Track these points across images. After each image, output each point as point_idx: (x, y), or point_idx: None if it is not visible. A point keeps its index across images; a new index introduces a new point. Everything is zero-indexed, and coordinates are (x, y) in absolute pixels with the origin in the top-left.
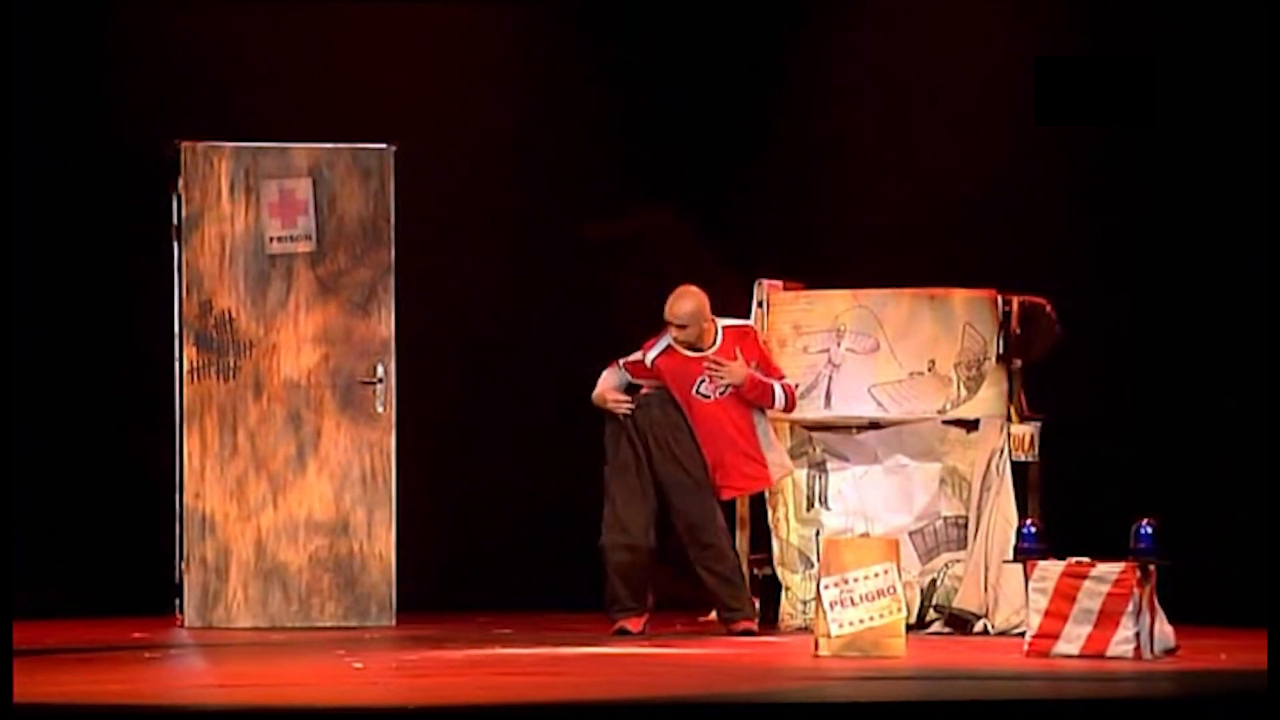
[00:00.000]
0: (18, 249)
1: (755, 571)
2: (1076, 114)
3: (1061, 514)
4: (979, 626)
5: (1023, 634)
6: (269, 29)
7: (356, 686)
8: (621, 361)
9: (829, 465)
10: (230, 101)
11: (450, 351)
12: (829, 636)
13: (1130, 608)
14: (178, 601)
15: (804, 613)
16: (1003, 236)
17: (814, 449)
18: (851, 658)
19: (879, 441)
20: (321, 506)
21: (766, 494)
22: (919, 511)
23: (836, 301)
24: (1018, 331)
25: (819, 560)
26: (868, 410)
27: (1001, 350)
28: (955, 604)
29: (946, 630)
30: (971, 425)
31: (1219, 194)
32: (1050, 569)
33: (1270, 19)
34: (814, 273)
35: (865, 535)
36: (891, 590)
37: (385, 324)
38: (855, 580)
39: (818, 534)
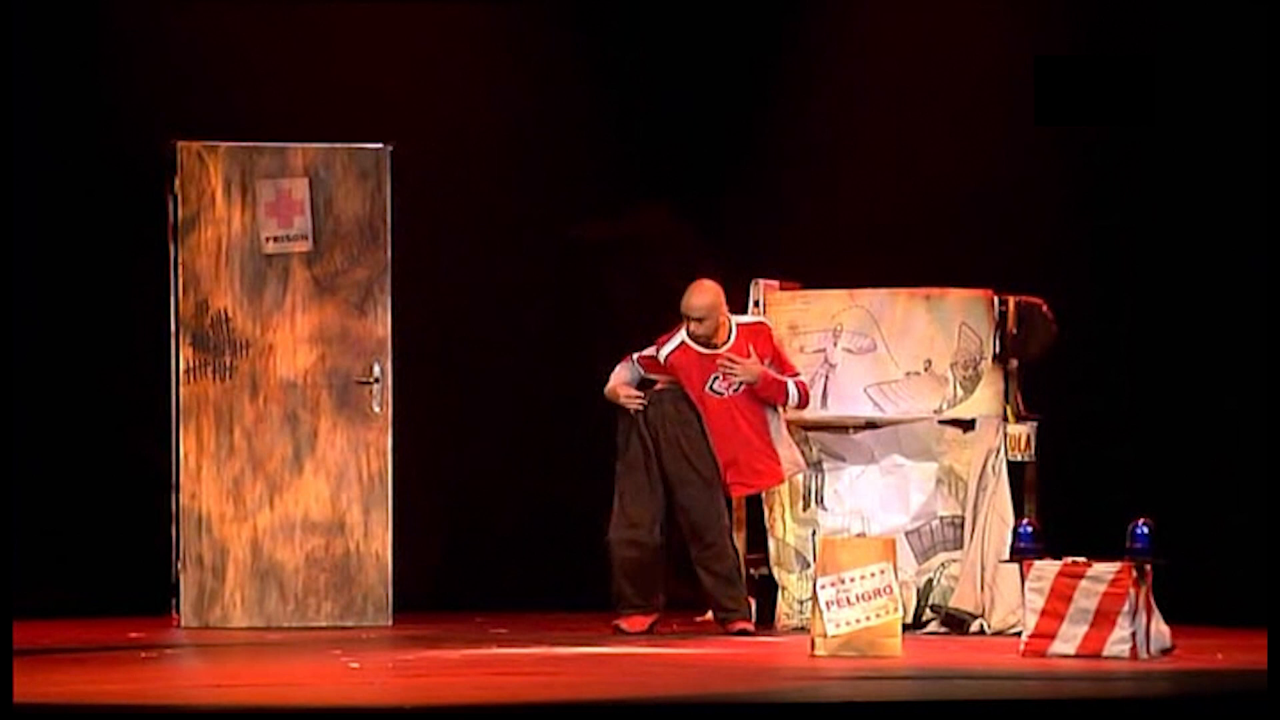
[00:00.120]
0: (15, 249)
1: (751, 571)
2: (1076, 114)
3: (1058, 514)
4: (975, 626)
5: (1019, 634)
6: (266, 29)
7: (353, 686)
8: (635, 356)
9: (825, 465)
10: (227, 101)
11: (446, 351)
12: (825, 636)
13: (1126, 607)
14: (174, 601)
15: (800, 612)
16: (1001, 236)
17: (810, 449)
18: (848, 657)
19: (875, 441)
20: (318, 506)
21: (763, 493)
22: (915, 511)
23: (833, 301)
24: (1014, 331)
25: (815, 560)
26: (864, 410)
27: (998, 350)
28: (952, 604)
29: (943, 630)
30: (968, 425)
31: (1218, 194)
32: (1046, 569)
33: (1270, 19)
34: (811, 273)
35: (862, 535)
36: (888, 590)
37: (382, 324)
38: (852, 580)
39: (814, 534)
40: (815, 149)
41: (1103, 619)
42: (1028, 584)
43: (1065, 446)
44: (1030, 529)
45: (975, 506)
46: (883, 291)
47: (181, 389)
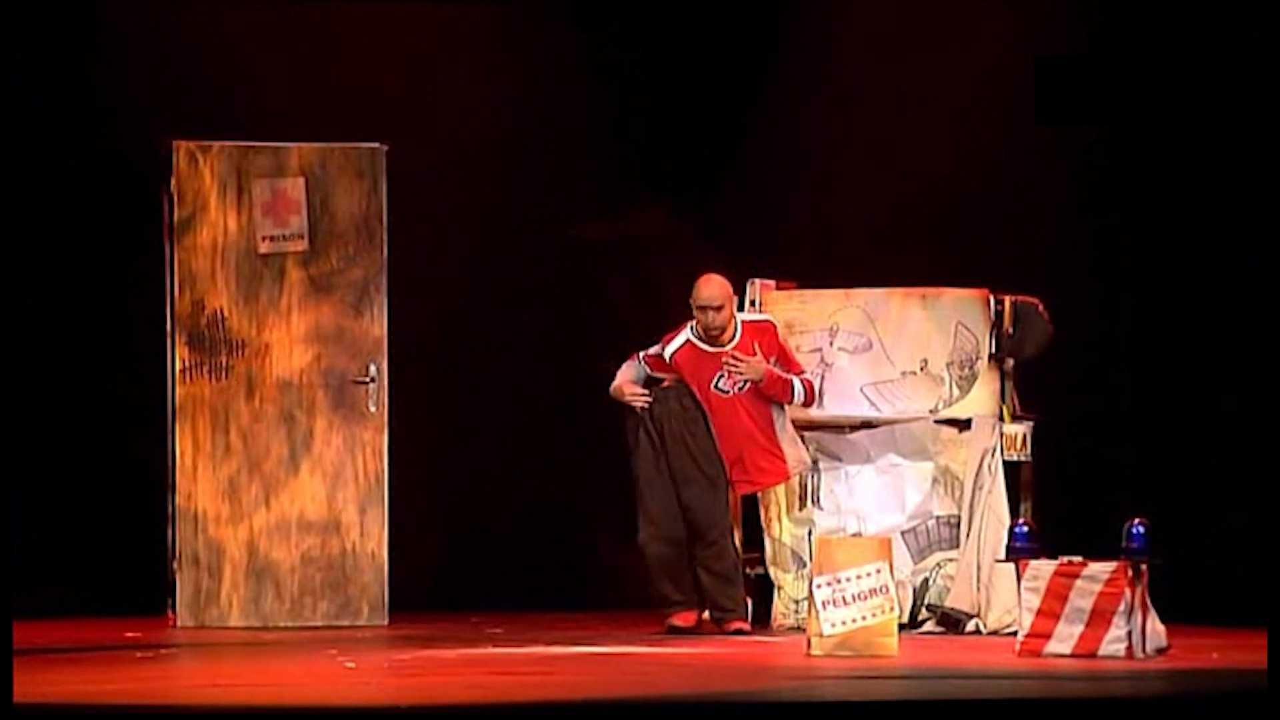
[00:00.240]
0: (13, 249)
1: (748, 571)
2: (1076, 114)
3: (1053, 513)
4: (971, 626)
5: (1015, 633)
6: (264, 29)
7: (349, 686)
8: (641, 354)
9: (821, 464)
10: (225, 101)
11: (443, 351)
12: (821, 636)
13: (1122, 607)
14: (170, 601)
15: (796, 612)
16: (1000, 236)
17: (806, 448)
18: (844, 657)
19: (871, 441)
20: (314, 506)
21: (759, 493)
22: (911, 511)
23: (829, 301)
24: (1010, 331)
25: (811, 559)
26: (860, 409)
27: (994, 349)
28: (947, 603)
29: (939, 630)
30: (964, 424)
31: (1218, 194)
32: (1042, 568)
33: (1270, 19)
34: (807, 272)
35: (858, 534)
36: (884, 589)
37: (378, 323)
38: (848, 579)
39: (810, 533)
40: (813, 149)
41: (1098, 618)
42: (1023, 583)
43: (1063, 446)
44: (1026, 528)
45: (971, 506)
46: (879, 291)
47: (177, 389)
